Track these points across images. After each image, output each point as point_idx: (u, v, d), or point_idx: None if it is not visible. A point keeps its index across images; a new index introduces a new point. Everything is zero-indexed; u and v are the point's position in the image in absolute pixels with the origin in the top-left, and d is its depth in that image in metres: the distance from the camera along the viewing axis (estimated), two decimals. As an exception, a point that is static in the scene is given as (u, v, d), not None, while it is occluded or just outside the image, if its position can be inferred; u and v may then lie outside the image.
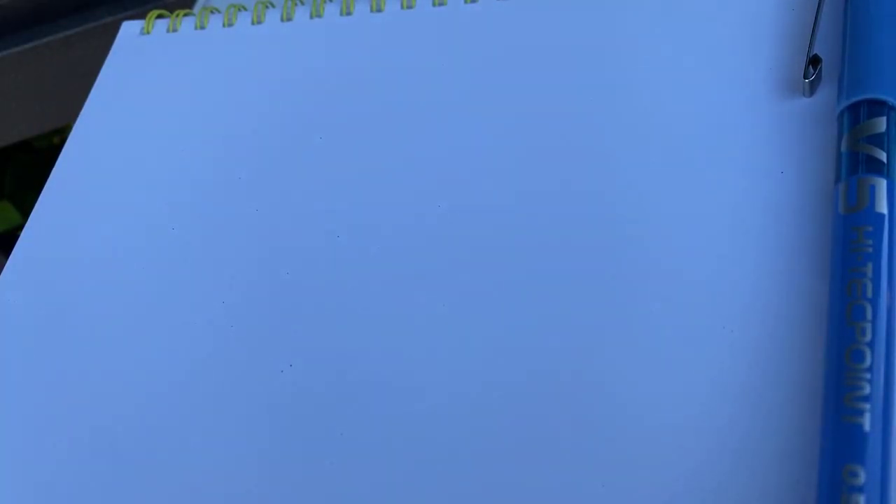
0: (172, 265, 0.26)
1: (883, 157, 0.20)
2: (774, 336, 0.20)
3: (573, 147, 0.25)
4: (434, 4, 0.30)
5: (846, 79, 0.22)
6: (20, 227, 0.30)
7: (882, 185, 0.20)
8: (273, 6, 0.32)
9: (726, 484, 0.18)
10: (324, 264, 0.24)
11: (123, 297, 0.25)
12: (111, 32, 0.33)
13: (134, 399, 0.23)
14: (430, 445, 0.21)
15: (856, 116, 0.21)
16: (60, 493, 0.22)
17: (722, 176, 0.23)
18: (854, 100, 0.22)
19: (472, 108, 0.27)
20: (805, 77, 0.24)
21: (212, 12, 0.33)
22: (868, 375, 0.17)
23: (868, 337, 0.18)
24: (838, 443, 0.17)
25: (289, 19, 0.31)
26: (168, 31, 0.32)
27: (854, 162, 0.21)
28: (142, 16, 0.34)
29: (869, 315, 0.18)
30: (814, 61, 0.24)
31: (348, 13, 0.31)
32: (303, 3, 0.32)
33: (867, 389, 0.17)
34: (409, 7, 0.30)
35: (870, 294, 0.18)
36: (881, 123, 0.21)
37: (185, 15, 0.33)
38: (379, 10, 0.30)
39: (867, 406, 0.17)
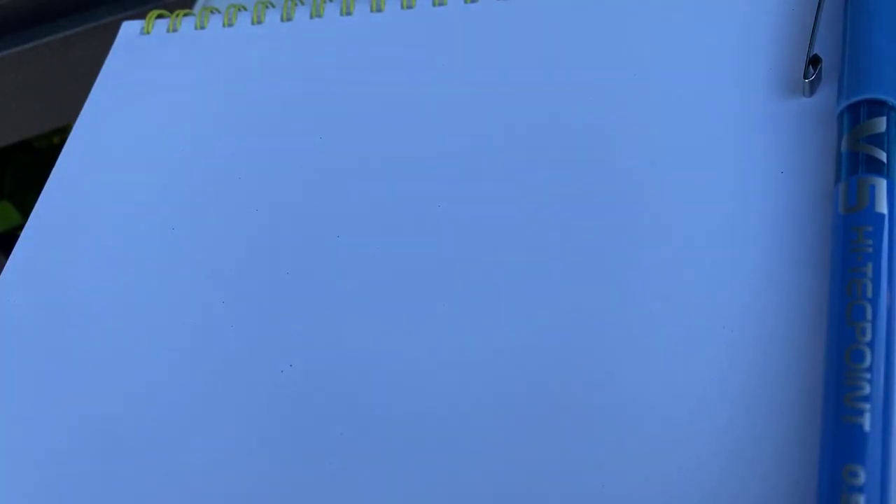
0: (172, 265, 0.26)
1: (883, 157, 0.20)
2: (774, 336, 0.20)
3: (573, 147, 0.25)
4: (434, 4, 0.30)
5: (846, 79, 0.22)
6: (20, 227, 0.30)
7: (882, 185, 0.20)
8: (273, 6, 0.32)
9: (726, 484, 0.18)
10: (324, 264, 0.24)
11: (123, 296, 0.25)
12: (111, 32, 0.33)
13: (134, 399, 0.23)
14: (430, 445, 0.21)
15: (856, 116, 0.21)
16: (61, 492, 0.22)
17: (722, 176, 0.23)
18: (854, 100, 0.22)
19: (472, 108, 0.27)
20: (805, 77, 0.24)
21: (212, 12, 0.33)
22: (868, 375, 0.17)
23: (868, 337, 0.18)
24: (838, 443, 0.17)
25: (289, 19, 0.31)
26: (168, 31, 0.32)
27: (854, 162, 0.21)
28: (142, 16, 0.34)
29: (869, 315, 0.18)
30: (814, 61, 0.24)
31: (348, 13, 0.31)
32: (303, 3, 0.32)
33: (867, 389, 0.17)
34: (409, 7, 0.30)
35: (870, 294, 0.18)
36: (881, 123, 0.21)
37: (185, 15, 0.33)
38: (379, 10, 0.30)
39: (867, 406, 0.17)
